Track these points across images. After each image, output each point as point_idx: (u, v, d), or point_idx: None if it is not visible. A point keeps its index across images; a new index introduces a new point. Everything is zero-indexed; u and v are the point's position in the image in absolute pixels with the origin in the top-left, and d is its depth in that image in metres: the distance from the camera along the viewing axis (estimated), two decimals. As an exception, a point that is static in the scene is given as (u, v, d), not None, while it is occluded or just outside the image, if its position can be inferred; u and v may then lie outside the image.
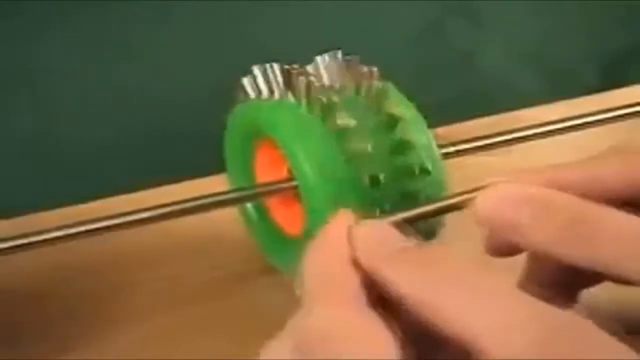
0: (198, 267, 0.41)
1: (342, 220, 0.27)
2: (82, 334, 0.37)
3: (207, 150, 0.40)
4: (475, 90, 0.65)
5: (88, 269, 0.41)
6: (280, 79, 0.35)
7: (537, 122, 0.39)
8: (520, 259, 0.31)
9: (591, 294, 0.31)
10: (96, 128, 0.56)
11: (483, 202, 0.27)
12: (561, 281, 0.30)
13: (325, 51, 0.36)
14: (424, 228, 0.34)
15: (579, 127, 0.40)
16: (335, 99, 0.34)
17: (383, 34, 0.61)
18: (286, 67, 0.35)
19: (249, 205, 0.40)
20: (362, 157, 0.33)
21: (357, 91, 0.35)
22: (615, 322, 0.22)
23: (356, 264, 0.25)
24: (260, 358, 0.24)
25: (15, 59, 0.53)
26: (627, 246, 0.25)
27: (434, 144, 0.34)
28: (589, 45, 0.69)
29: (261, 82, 0.36)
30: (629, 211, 0.25)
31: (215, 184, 0.38)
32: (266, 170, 0.38)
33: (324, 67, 0.36)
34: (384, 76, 0.36)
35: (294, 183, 0.34)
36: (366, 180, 0.32)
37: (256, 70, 0.36)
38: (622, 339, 0.21)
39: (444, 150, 0.35)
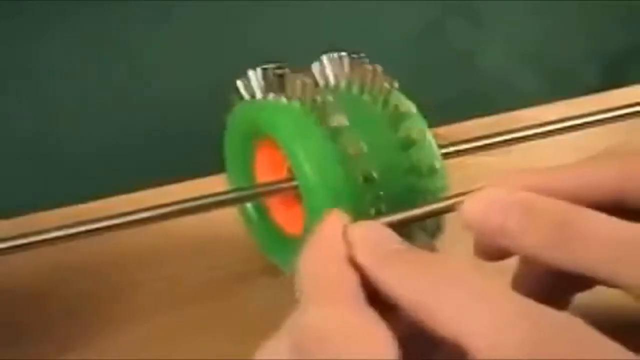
0: (198, 267, 0.41)
1: (336, 220, 0.27)
2: (82, 334, 0.37)
3: (207, 150, 0.40)
4: (475, 90, 0.65)
5: (88, 269, 0.41)
6: (273, 80, 0.35)
7: (537, 122, 0.39)
8: (513, 262, 0.31)
9: (584, 296, 0.31)
10: (96, 128, 0.56)
11: (470, 207, 0.27)
12: (552, 285, 0.30)
13: (325, 51, 0.36)
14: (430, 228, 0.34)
15: (579, 127, 0.40)
16: (330, 99, 0.33)
17: (383, 34, 0.61)
18: (278, 69, 0.35)
19: (249, 205, 0.40)
20: (357, 157, 0.33)
21: (362, 90, 0.35)
22: (608, 323, 0.22)
23: (353, 262, 0.25)
24: (256, 358, 0.24)
25: (15, 59, 0.53)
26: (614, 250, 0.25)
27: (435, 143, 0.35)
28: (589, 45, 0.69)
29: (256, 83, 0.36)
30: (620, 214, 0.26)
31: (215, 184, 0.38)
32: (266, 170, 0.38)
33: (329, 66, 0.36)
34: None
35: (294, 183, 0.34)
36: (360, 179, 0.32)
37: (250, 72, 0.36)
38: (614, 338, 0.21)
39: (444, 150, 0.35)
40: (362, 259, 0.25)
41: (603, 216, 0.25)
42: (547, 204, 0.26)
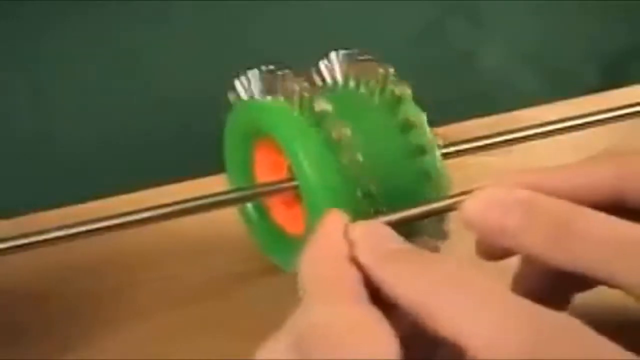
0: (198, 267, 0.41)
1: (337, 219, 0.27)
2: (83, 334, 0.37)
3: (207, 150, 0.40)
4: (475, 90, 0.65)
5: (88, 269, 0.41)
6: (271, 81, 0.35)
7: (537, 122, 0.39)
8: (515, 262, 0.31)
9: (584, 297, 0.31)
10: (96, 128, 0.56)
11: (470, 206, 0.27)
12: (552, 285, 0.30)
13: (325, 51, 0.36)
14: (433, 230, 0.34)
15: (579, 127, 0.40)
16: (328, 108, 0.33)
17: (383, 34, 0.61)
18: (275, 70, 0.35)
19: (249, 205, 0.40)
20: (355, 167, 0.33)
21: (371, 92, 0.35)
22: (608, 323, 0.22)
23: (354, 261, 0.25)
24: (256, 358, 0.24)
25: (15, 59, 0.53)
26: (614, 250, 0.25)
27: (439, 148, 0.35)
28: (589, 45, 0.69)
29: (254, 84, 0.36)
30: (619, 214, 0.26)
31: (215, 184, 0.38)
32: (266, 170, 0.38)
33: (337, 65, 0.36)
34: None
35: (294, 183, 0.34)
36: (359, 193, 0.32)
37: (249, 73, 0.36)
38: (614, 338, 0.21)
39: (444, 150, 0.35)
40: (363, 258, 0.25)
41: (603, 216, 0.25)
42: (547, 204, 0.26)
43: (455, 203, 0.30)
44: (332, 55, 0.36)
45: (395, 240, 0.26)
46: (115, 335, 0.37)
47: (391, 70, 0.35)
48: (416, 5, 0.62)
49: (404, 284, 0.24)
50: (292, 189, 0.35)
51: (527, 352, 0.21)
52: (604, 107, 0.41)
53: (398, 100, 0.34)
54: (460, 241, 0.29)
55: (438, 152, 0.34)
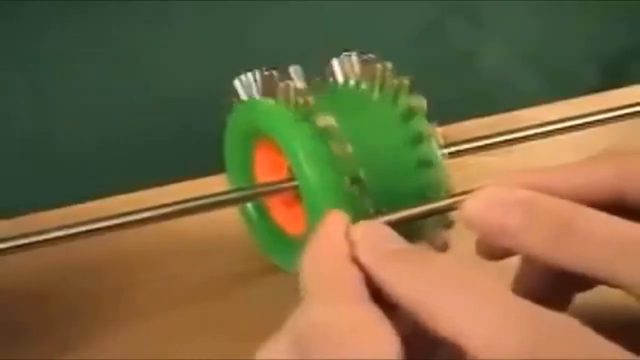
0: (198, 267, 0.41)
1: (338, 219, 0.27)
2: (83, 334, 0.37)
3: (207, 150, 0.40)
4: (475, 90, 0.65)
5: (88, 269, 0.41)
6: (268, 83, 0.35)
7: (537, 122, 0.39)
8: (515, 262, 0.31)
9: (584, 297, 0.31)
10: (96, 128, 0.56)
11: (471, 205, 0.27)
12: (553, 284, 0.30)
13: (325, 51, 0.36)
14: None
15: (579, 127, 0.40)
16: (322, 100, 0.33)
17: (383, 34, 0.61)
18: (271, 71, 0.35)
19: (249, 205, 0.40)
20: (352, 165, 0.33)
21: (372, 88, 0.35)
22: (608, 323, 0.22)
23: (355, 261, 0.25)
24: (256, 359, 0.24)
25: (15, 59, 0.53)
26: (614, 249, 0.25)
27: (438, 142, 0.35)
28: (589, 45, 0.69)
29: (253, 85, 0.36)
30: (619, 214, 0.25)
31: (215, 184, 0.38)
32: (266, 170, 0.38)
33: (339, 65, 0.36)
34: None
35: (294, 183, 0.34)
36: (347, 181, 0.32)
37: (249, 74, 0.36)
38: (614, 339, 0.21)
39: (444, 150, 0.35)
40: (364, 258, 0.25)
41: (604, 215, 0.25)
42: (548, 203, 0.26)
43: (455, 202, 0.30)
44: (335, 56, 0.37)
45: (396, 241, 0.26)
46: (115, 335, 0.37)
47: (389, 65, 0.35)
48: (416, 5, 0.62)
49: (404, 283, 0.24)
50: (292, 189, 0.35)
51: (526, 353, 0.21)
52: (604, 107, 0.41)
53: (397, 91, 0.34)
54: (460, 240, 0.29)
55: (436, 141, 0.34)
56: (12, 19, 0.52)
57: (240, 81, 0.37)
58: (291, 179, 0.35)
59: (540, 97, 0.59)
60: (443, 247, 0.34)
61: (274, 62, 0.36)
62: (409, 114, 0.34)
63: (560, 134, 0.40)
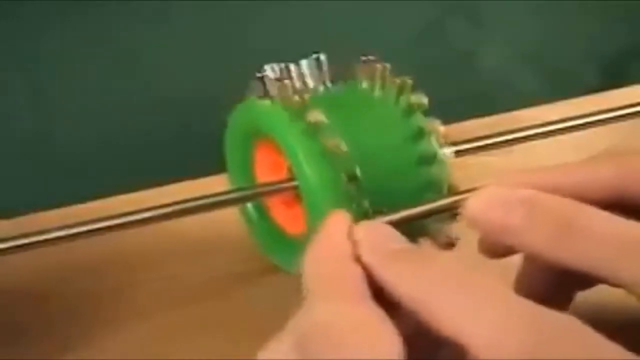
0: (198, 267, 0.41)
1: (341, 219, 0.27)
2: (83, 334, 0.37)
3: (207, 150, 0.40)
4: (475, 90, 0.65)
5: (88, 269, 0.41)
6: (268, 83, 0.35)
7: (538, 122, 0.39)
8: (517, 260, 0.31)
9: (585, 296, 0.31)
10: (96, 128, 0.56)
11: (474, 204, 0.27)
12: (554, 283, 0.30)
13: (325, 51, 0.36)
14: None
15: (579, 127, 0.40)
16: (310, 100, 0.34)
17: (383, 34, 0.61)
18: (272, 71, 0.35)
19: (249, 205, 0.40)
20: (338, 155, 0.33)
21: (372, 87, 0.35)
22: (609, 323, 0.22)
23: (358, 261, 0.25)
24: (259, 359, 0.24)
25: (15, 59, 0.53)
26: (616, 248, 0.25)
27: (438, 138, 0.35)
28: (589, 45, 0.69)
29: (254, 85, 0.36)
30: (619, 214, 0.26)
31: (215, 184, 0.38)
32: (266, 170, 0.38)
33: (308, 67, 0.36)
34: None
35: (294, 183, 0.34)
36: (344, 178, 0.32)
37: (256, 73, 0.36)
38: (616, 338, 0.21)
39: (448, 149, 0.35)
40: (366, 257, 0.25)
41: (606, 214, 0.25)
42: (550, 202, 0.26)
43: (457, 201, 0.30)
44: (334, 57, 0.37)
45: (398, 240, 0.26)
46: (115, 335, 0.37)
47: (388, 65, 0.35)
48: (416, 5, 0.62)
49: (405, 283, 0.24)
50: (292, 189, 0.35)
51: (527, 352, 0.21)
52: (604, 107, 0.41)
53: (399, 90, 0.34)
54: (462, 239, 0.29)
55: (437, 138, 0.34)
56: (12, 19, 0.52)
57: (251, 81, 0.37)
58: (291, 179, 0.35)
59: (540, 97, 0.59)
60: (448, 244, 0.34)
61: (274, 63, 0.36)
62: (410, 111, 0.34)
63: (561, 134, 0.40)
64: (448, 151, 0.35)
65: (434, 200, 0.32)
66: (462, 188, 0.31)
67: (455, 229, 0.34)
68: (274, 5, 0.57)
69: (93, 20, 0.54)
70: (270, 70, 0.35)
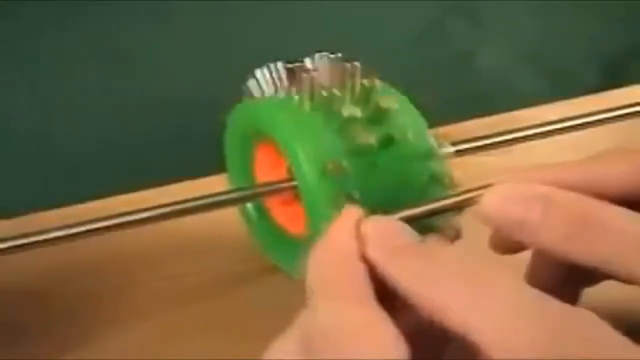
0: (198, 267, 0.41)
1: (348, 217, 0.27)
2: (83, 334, 0.37)
3: (207, 150, 0.40)
4: (475, 90, 0.65)
5: (88, 269, 0.41)
6: (283, 76, 0.35)
7: (537, 122, 0.39)
8: (526, 256, 0.31)
9: (594, 291, 0.31)
10: (96, 128, 0.56)
11: (489, 201, 0.27)
12: (563, 278, 0.30)
13: (325, 51, 0.36)
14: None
15: (579, 127, 0.40)
16: (337, 92, 0.33)
17: (383, 34, 0.61)
18: (289, 64, 0.35)
19: (249, 205, 0.40)
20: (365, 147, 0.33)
21: (346, 89, 0.35)
22: (616, 321, 0.22)
23: (364, 259, 0.25)
24: (264, 358, 0.24)
25: (15, 59, 0.53)
26: (632, 244, 0.24)
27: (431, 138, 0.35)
28: (589, 45, 0.69)
29: (266, 81, 0.36)
30: (632, 209, 0.25)
31: (215, 184, 0.38)
32: (266, 170, 0.38)
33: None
34: (384, 76, 0.36)
35: (294, 183, 0.34)
36: (342, 199, 0.32)
37: (260, 70, 0.36)
38: (626, 334, 0.21)
39: (445, 150, 0.35)
40: (372, 253, 0.25)
41: (621, 210, 0.25)
42: (566, 198, 0.26)
43: (465, 200, 0.30)
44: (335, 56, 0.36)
45: (405, 235, 0.26)
46: (115, 335, 0.37)
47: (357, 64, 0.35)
48: (416, 5, 0.62)
49: (413, 278, 0.23)
50: (292, 189, 0.35)
51: (540, 351, 0.20)
52: (604, 107, 0.41)
53: (367, 93, 0.34)
54: (471, 234, 0.29)
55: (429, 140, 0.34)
56: (12, 19, 0.52)
57: (248, 81, 0.37)
58: (291, 179, 0.35)
59: (540, 97, 0.59)
60: (455, 237, 0.34)
61: (273, 62, 0.36)
62: (380, 115, 0.34)
63: (560, 134, 0.40)
64: (452, 149, 0.35)
65: (443, 199, 0.32)
66: (462, 188, 0.31)
67: (464, 225, 0.34)
68: (274, 5, 0.57)
69: (92, 20, 0.54)
70: (267, 70, 0.35)
